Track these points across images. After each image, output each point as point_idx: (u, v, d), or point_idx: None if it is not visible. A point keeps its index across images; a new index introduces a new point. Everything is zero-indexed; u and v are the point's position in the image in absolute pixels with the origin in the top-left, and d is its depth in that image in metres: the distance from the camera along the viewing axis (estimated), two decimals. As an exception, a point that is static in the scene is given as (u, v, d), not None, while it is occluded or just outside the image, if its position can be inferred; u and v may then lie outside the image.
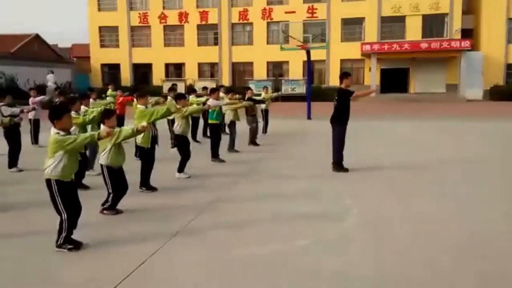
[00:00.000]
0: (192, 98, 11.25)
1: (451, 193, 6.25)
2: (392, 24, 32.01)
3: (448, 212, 5.37)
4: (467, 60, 29.67)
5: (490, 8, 30.19)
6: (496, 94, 29.19)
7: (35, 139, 10.94)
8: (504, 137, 12.34)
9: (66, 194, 4.08)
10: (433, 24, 31.51)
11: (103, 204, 5.27)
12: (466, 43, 29.26)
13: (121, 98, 11.27)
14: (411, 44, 30.11)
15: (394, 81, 31.50)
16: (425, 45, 29.82)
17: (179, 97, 7.58)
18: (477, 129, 14.07)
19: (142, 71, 36.09)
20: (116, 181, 5.15)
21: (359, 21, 32.33)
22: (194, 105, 8.84)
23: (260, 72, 33.87)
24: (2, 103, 7.77)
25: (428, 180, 7.05)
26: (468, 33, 31.35)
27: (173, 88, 11.81)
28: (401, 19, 31.82)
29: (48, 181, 4.07)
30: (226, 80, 33.16)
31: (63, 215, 4.07)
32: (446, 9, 30.87)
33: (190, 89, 13.95)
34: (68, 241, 4.13)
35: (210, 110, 8.91)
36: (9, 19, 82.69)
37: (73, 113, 5.88)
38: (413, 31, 31.53)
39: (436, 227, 4.81)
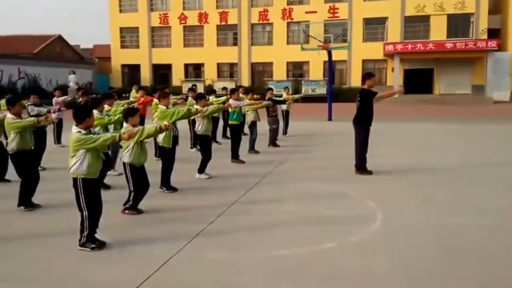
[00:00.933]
0: (212, 98, 11.28)
1: (477, 199, 6.05)
2: (415, 24, 31.43)
3: (473, 219, 5.19)
4: (494, 61, 28.87)
5: (519, 7, 29.29)
6: (525, 95, 28.29)
7: (57, 139, 11.15)
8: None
9: (90, 192, 4.14)
10: (459, 23, 30.79)
11: (124, 204, 5.32)
12: (493, 43, 28.48)
13: (142, 99, 11.39)
14: (436, 44, 29.50)
15: (418, 82, 30.87)
16: (450, 45, 29.16)
17: (199, 97, 7.60)
18: (505, 132, 13.62)
19: (161, 72, 36.53)
20: (138, 179, 5.19)
21: (381, 20, 31.89)
22: (214, 104, 8.83)
23: (279, 72, 33.79)
24: (28, 103, 7.96)
25: (454, 186, 6.85)
26: (495, 33, 30.50)
27: (193, 89, 11.87)
28: (425, 19, 31.21)
29: (75, 180, 4.13)
30: (245, 81, 33.21)
31: (84, 212, 4.12)
32: (472, 8, 30.11)
33: (210, 90, 13.99)
34: (91, 240, 4.17)
35: (230, 111, 8.91)
36: (32, 21, 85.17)
37: (97, 113, 5.98)
38: (438, 31, 30.88)
39: (462, 235, 4.65)
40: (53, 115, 9.19)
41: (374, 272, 3.76)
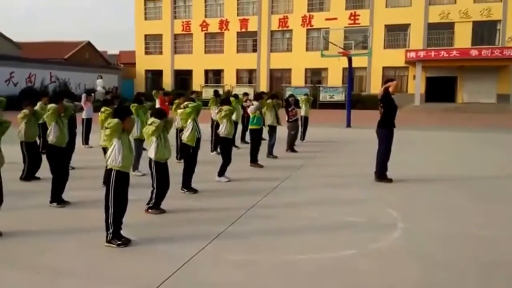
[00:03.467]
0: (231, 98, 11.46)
1: (503, 211, 5.93)
2: (439, 31, 30.96)
3: (498, 231, 5.10)
4: (521, 69, 28.09)
5: (548, 14, 28.49)
6: (553, 105, 27.41)
7: (85, 140, 11.45)
8: None
9: (120, 186, 4.32)
10: (484, 31, 30.16)
11: (148, 203, 5.48)
12: (520, 51, 27.76)
13: (165, 101, 11.69)
14: (460, 52, 28.96)
15: (441, 90, 30.35)
16: (475, 53, 28.58)
17: (224, 102, 7.78)
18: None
19: (183, 77, 37.12)
20: (162, 176, 5.40)
21: (404, 27, 31.55)
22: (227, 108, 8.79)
23: (297, 78, 33.81)
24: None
25: (478, 196, 6.71)
26: (522, 40, 29.74)
27: (216, 94, 12.07)
28: (449, 26, 30.72)
29: (109, 171, 4.36)
30: (263, 87, 33.38)
31: (110, 210, 4.29)
32: (499, 15, 29.47)
33: (233, 95, 14.20)
34: (117, 237, 4.33)
35: (251, 116, 9.08)
36: (65, 28, 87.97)
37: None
38: (462, 38, 30.32)
39: (486, 247, 4.57)
40: (82, 114, 9.59)
41: (394, 281, 3.73)
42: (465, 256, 4.23)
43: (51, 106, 6.08)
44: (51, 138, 5.89)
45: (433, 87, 30.69)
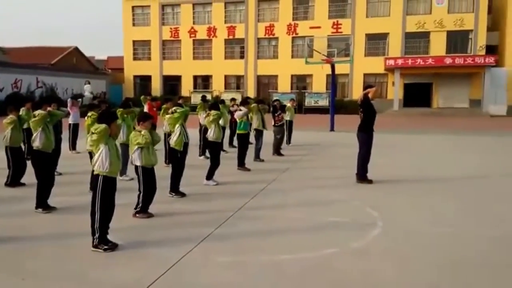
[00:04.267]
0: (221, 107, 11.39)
1: (477, 209, 6.02)
2: (416, 40, 31.52)
3: (473, 229, 5.16)
4: (491, 76, 28.82)
5: (516, 24, 29.31)
6: (521, 110, 28.17)
7: (72, 145, 11.19)
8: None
9: (107, 191, 4.21)
10: (458, 40, 30.83)
11: (135, 208, 5.36)
12: (491, 59, 28.46)
13: (153, 106, 11.49)
14: (435, 59, 29.53)
15: (418, 95, 30.87)
16: (449, 61, 29.17)
17: (212, 107, 7.72)
18: (501, 145, 13.56)
19: (171, 83, 36.84)
20: (148, 181, 5.28)
21: (383, 36, 32.03)
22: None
23: (284, 84, 33.94)
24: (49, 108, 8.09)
25: (454, 196, 6.81)
26: (492, 49, 30.49)
27: (204, 99, 11.97)
28: (425, 35, 31.31)
29: (96, 177, 4.23)
30: (251, 92, 33.39)
31: (96, 215, 4.17)
32: (471, 25, 30.18)
33: (220, 100, 14.15)
34: (103, 242, 4.21)
35: (238, 121, 9.05)
36: (51, 33, 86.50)
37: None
38: (437, 46, 30.94)
39: (462, 244, 4.62)
40: (69, 119, 9.42)
41: (376, 277, 3.75)
42: (441, 253, 4.26)
43: (40, 112, 5.88)
44: (36, 143, 5.71)
45: (410, 93, 31.19)
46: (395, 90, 30.47)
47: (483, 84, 29.34)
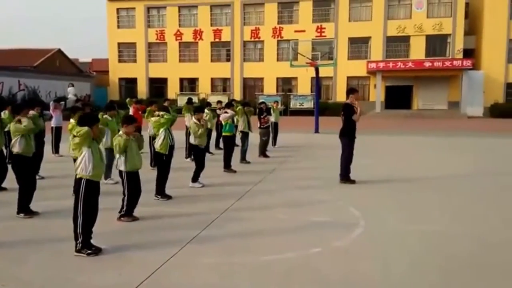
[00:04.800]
0: (206, 111, 11.32)
1: (456, 207, 6.13)
2: (397, 44, 32.04)
3: (455, 226, 5.25)
4: (469, 79, 29.50)
5: (491, 29, 30.10)
6: (496, 111, 28.94)
7: (55, 149, 10.94)
8: (504, 152, 12.14)
9: (90, 195, 4.10)
10: (436, 44, 31.47)
11: (120, 211, 5.26)
12: (468, 63, 29.13)
13: (138, 109, 11.35)
14: (415, 63, 30.07)
15: (398, 97, 31.37)
16: (428, 64, 29.75)
17: (198, 110, 7.66)
18: (478, 145, 13.88)
19: (157, 85, 36.48)
20: (133, 184, 5.18)
21: (365, 40, 32.44)
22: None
23: (270, 87, 34.02)
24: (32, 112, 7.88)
25: (434, 195, 6.92)
26: (470, 52, 31.23)
27: (190, 102, 11.88)
28: (405, 39, 31.85)
29: (79, 180, 4.12)
30: (237, 95, 33.35)
31: (79, 219, 4.08)
32: (449, 30, 30.85)
33: (206, 103, 14.08)
34: (87, 246, 4.11)
35: (223, 123, 9.02)
36: (33, 35, 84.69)
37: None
38: (417, 50, 31.51)
39: (443, 242, 4.69)
40: (51, 122, 9.21)
41: (359, 275, 3.77)
42: (423, 252, 4.31)
43: (25, 120, 5.66)
44: (16, 149, 5.51)
45: (391, 95, 31.68)
46: (377, 93, 30.88)
47: (461, 87, 30.01)
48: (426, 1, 31.13)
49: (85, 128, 4.07)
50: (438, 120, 26.06)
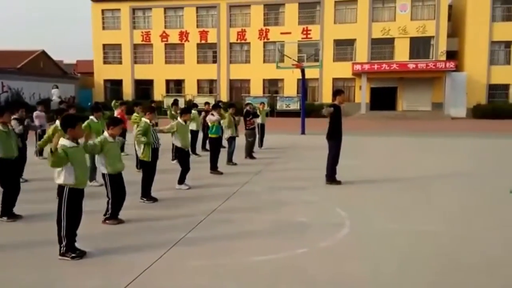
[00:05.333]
0: (193, 112, 11.32)
1: (441, 207, 6.26)
2: (381, 46, 32.51)
3: (439, 225, 5.37)
4: (452, 80, 30.10)
5: (474, 31, 30.81)
6: (479, 112, 29.58)
7: (39, 151, 10.79)
8: (487, 152, 12.46)
9: (73, 202, 4.05)
10: (420, 46, 32.04)
11: (105, 214, 5.22)
12: (451, 64, 29.73)
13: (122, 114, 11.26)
14: (399, 65, 30.55)
15: (383, 99, 31.82)
16: (412, 66, 30.26)
17: (184, 112, 7.64)
18: (462, 145, 14.19)
19: (143, 87, 36.18)
20: (117, 187, 5.14)
21: (350, 42, 32.82)
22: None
23: (256, 88, 34.09)
24: (14, 116, 7.74)
25: (419, 195, 7.06)
26: (453, 54, 31.90)
27: (175, 103, 11.85)
28: (390, 41, 32.34)
29: (61, 188, 4.05)
30: (224, 96, 33.32)
31: (62, 223, 4.03)
32: (432, 32, 31.45)
33: (192, 104, 14.08)
34: (71, 250, 4.07)
35: (210, 125, 9.03)
36: (17, 36, 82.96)
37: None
38: (401, 52, 32.03)
39: (427, 242, 4.79)
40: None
41: (345, 276, 3.82)
42: (407, 250, 4.40)
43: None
44: None
45: (376, 96, 32.11)
46: (362, 94, 31.25)
47: (444, 88, 30.60)
48: (410, 4, 31.68)
49: (61, 153, 3.87)
50: (422, 121, 26.52)
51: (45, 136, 6.87)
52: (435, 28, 31.29)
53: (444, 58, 30.96)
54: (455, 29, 33.33)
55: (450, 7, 32.80)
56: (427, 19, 31.58)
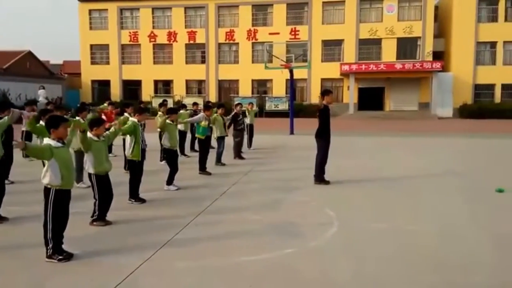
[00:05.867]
0: (182, 112, 11.30)
1: (428, 206, 6.37)
2: (369, 46, 32.83)
3: (421, 226, 5.47)
4: (438, 80, 30.55)
5: (460, 32, 31.33)
6: (465, 112, 30.08)
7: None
8: (473, 152, 12.70)
9: (60, 204, 4.02)
10: (407, 46, 32.46)
11: (92, 216, 5.19)
12: (437, 65, 30.18)
13: (110, 114, 11.16)
14: (387, 65, 30.89)
15: (371, 99, 32.14)
16: (399, 66, 30.63)
17: (170, 112, 7.63)
18: (449, 145, 14.43)
19: (131, 87, 35.88)
20: (103, 188, 5.11)
21: (338, 42, 33.07)
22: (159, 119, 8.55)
23: (245, 89, 34.11)
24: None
25: (406, 194, 7.16)
26: (439, 55, 32.39)
27: (164, 104, 11.80)
28: (377, 42, 32.69)
29: (48, 190, 4.01)
30: (212, 97, 33.25)
31: (48, 225, 4.00)
32: (419, 33, 31.89)
33: (181, 105, 14.04)
34: (58, 252, 4.04)
35: (197, 125, 9.03)
36: (3, 36, 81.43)
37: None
38: (389, 53, 32.40)
39: (415, 240, 4.87)
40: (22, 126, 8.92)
41: (332, 275, 3.86)
42: (394, 249, 4.47)
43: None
44: None
45: (364, 97, 32.42)
46: (350, 94, 31.52)
47: (431, 88, 31.04)
48: (397, 5, 32.08)
49: (46, 144, 3.88)
50: (409, 121, 26.86)
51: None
52: (421, 29, 31.74)
53: (430, 58, 31.42)
54: (442, 30, 33.87)
55: (436, 8, 33.31)
56: (413, 20, 32.01)
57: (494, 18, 31.29)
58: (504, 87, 31.32)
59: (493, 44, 31.44)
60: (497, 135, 17.25)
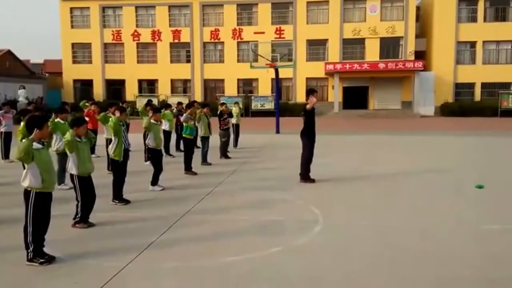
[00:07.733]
0: (167, 112, 11.19)
1: (412, 203, 6.47)
2: (353, 46, 33.18)
3: (410, 221, 5.55)
4: (420, 80, 31.09)
5: (441, 32, 31.96)
6: (446, 110, 30.69)
7: (5, 154, 10.41)
8: (455, 149, 12.97)
9: (40, 206, 3.92)
10: (390, 46, 32.93)
11: (74, 218, 5.08)
12: (419, 64, 30.71)
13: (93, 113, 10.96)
14: (370, 65, 31.28)
15: (355, 98, 32.50)
16: (382, 66, 31.05)
17: (156, 111, 7.56)
18: (430, 142, 14.70)
19: (115, 87, 35.35)
20: (86, 189, 5.02)
21: (323, 42, 33.31)
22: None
23: (231, 88, 34.02)
24: None
25: (390, 192, 7.26)
26: (421, 54, 32.97)
27: (149, 103, 11.68)
28: (361, 41, 33.06)
29: (27, 192, 3.91)
30: (198, 96, 33.02)
31: (28, 228, 3.91)
32: (401, 32, 32.40)
33: (165, 105, 13.88)
34: (39, 255, 3.94)
35: (184, 125, 8.97)
36: (-22, 34, 79.03)
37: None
38: (372, 52, 32.81)
39: (399, 237, 4.94)
40: (0, 127, 8.69)
41: (319, 272, 3.88)
42: (379, 246, 4.52)
43: None
44: None
45: (349, 95, 32.76)
46: (335, 93, 31.79)
47: (413, 87, 31.56)
48: (380, 5, 32.51)
49: (25, 143, 3.78)
50: (392, 120, 27.26)
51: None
52: (403, 29, 32.24)
53: (412, 58, 31.95)
54: (423, 30, 34.47)
55: (418, 8, 33.89)
56: (396, 20, 32.50)
57: (473, 19, 32.03)
58: (484, 85, 32.09)
59: (472, 44, 32.18)
60: (477, 133, 17.68)
